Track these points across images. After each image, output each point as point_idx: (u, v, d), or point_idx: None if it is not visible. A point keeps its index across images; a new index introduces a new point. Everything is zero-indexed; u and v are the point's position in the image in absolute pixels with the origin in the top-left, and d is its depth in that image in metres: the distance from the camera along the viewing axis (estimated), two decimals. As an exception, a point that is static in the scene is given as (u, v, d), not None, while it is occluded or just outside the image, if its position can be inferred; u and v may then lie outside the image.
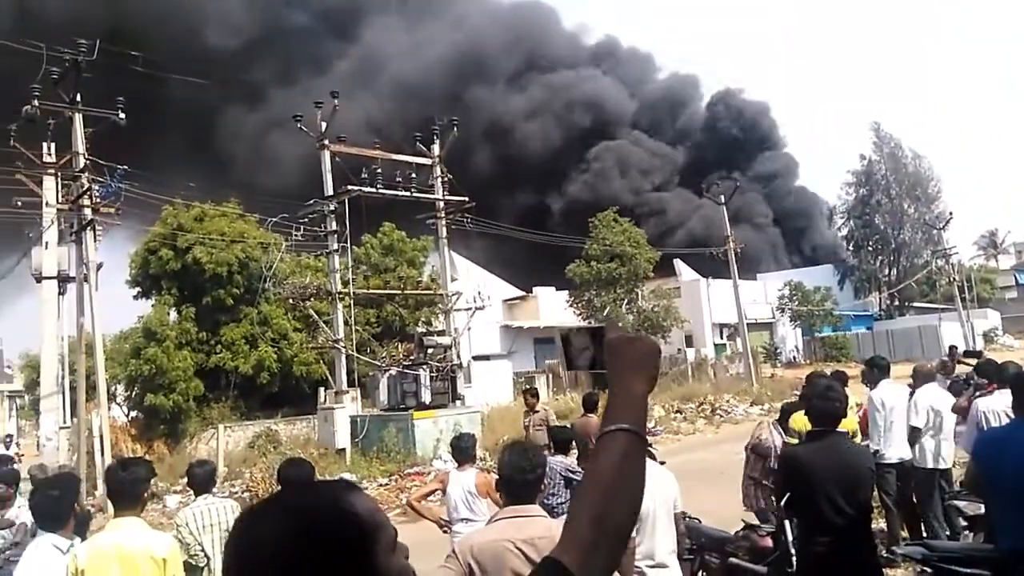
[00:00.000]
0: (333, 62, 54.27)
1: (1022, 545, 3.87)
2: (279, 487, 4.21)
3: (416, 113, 40.96)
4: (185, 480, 8.62)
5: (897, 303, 59.53)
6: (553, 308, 38.09)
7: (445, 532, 6.11)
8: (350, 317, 21.31)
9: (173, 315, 25.05)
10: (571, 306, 34.94)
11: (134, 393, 24.44)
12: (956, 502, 6.66)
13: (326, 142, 20.29)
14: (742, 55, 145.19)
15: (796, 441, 6.47)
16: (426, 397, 18.84)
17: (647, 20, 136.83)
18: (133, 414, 25.06)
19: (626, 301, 34.05)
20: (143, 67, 18.19)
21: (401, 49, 56.14)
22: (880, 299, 59.21)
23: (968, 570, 4.51)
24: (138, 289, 26.04)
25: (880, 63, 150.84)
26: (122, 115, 16.40)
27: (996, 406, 6.05)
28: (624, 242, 33.33)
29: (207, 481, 5.52)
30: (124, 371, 23.85)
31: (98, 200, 16.56)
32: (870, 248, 62.62)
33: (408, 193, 21.78)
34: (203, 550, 5.14)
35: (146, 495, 4.18)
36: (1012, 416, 5.09)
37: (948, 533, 7.03)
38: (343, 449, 18.66)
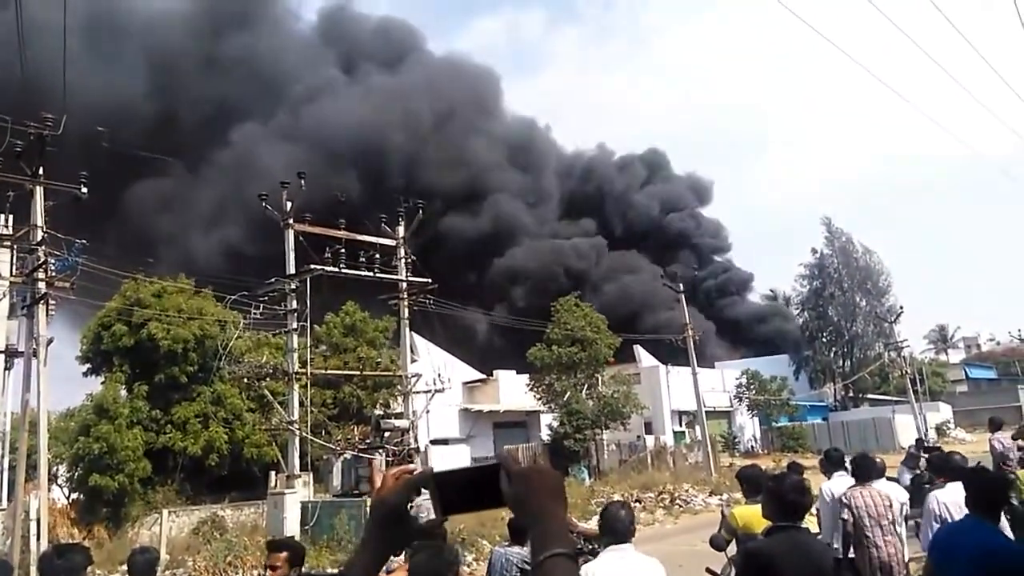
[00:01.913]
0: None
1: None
2: None
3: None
4: (125, 568, 8.23)
5: (851, 394, 60.43)
6: (514, 391, 37.85)
7: None
8: (306, 398, 20.90)
9: (123, 393, 24.36)
10: (532, 390, 34.78)
11: (77, 474, 23.45)
12: (914, 599, 6.62)
13: (290, 221, 20.33)
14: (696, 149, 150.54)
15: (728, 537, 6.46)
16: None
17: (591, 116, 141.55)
18: (74, 496, 23.96)
19: (586, 386, 34.01)
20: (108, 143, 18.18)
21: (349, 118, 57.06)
22: (835, 390, 60.09)
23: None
24: (88, 365, 25.37)
25: (831, 161, 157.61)
26: (84, 190, 16.30)
27: (947, 499, 6.10)
28: (585, 327, 33.55)
29: (148, 570, 5.27)
30: (69, 450, 22.96)
31: (53, 273, 16.25)
32: (824, 339, 63.89)
33: (371, 273, 21.79)
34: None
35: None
36: (964, 509, 5.18)
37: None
38: (292, 537, 17.97)
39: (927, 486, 6.87)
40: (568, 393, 33.29)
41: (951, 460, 6.68)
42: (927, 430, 44.52)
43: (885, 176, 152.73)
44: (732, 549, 6.53)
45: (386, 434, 20.42)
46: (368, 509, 1.36)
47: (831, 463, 7.94)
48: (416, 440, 22.18)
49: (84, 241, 17.04)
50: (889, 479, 8.89)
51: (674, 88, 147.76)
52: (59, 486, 24.00)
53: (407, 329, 23.76)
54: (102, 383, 24.52)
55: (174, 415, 24.18)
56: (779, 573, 4.22)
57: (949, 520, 5.62)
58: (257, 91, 55.57)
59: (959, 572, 4.04)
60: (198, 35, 54.51)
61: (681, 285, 34.87)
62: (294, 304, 20.49)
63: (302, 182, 20.07)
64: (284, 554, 4.08)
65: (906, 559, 7.63)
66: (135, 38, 50.92)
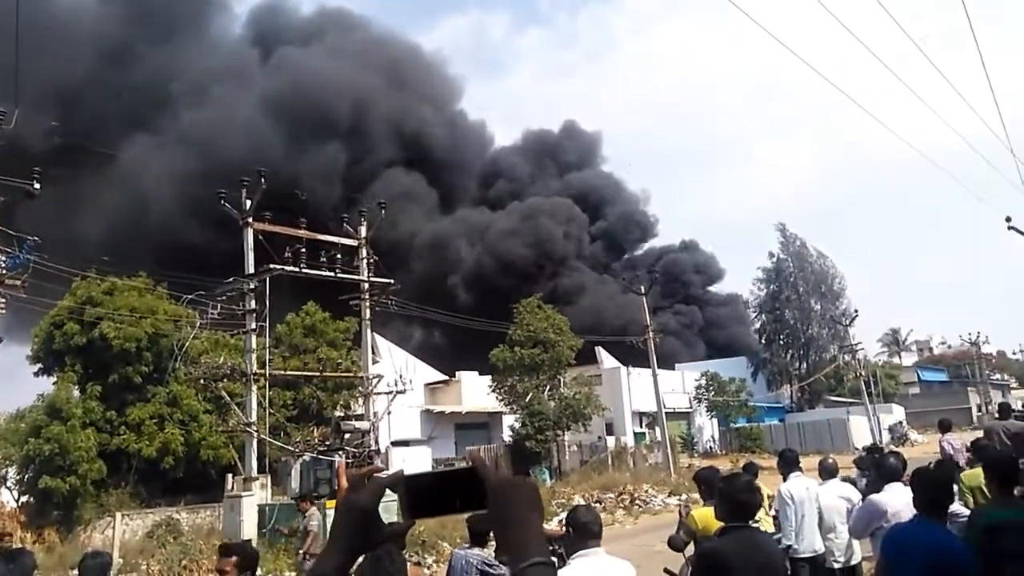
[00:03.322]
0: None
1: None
2: None
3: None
4: (76, 573, 8.05)
5: (807, 396, 61.62)
6: (476, 393, 37.81)
7: None
8: (265, 399, 20.63)
9: (76, 393, 23.79)
10: (494, 391, 34.79)
11: (27, 476, 22.83)
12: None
13: (249, 220, 20.05)
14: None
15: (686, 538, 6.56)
16: (341, 484, 18.16)
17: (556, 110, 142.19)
18: (24, 498, 23.33)
19: (548, 387, 34.13)
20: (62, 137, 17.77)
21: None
22: (792, 392, 61.21)
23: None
24: (39, 365, 24.74)
25: (784, 167, 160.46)
26: (37, 185, 15.89)
27: (881, 499, 6.24)
28: (547, 328, 33.66)
29: (100, 574, 5.17)
30: (19, 452, 22.35)
31: (4, 272, 15.83)
32: (781, 342, 65.01)
33: (332, 274, 21.60)
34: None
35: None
36: (897, 509, 5.33)
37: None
38: (249, 540, 17.71)
39: (867, 488, 7.03)
40: (530, 394, 33.37)
41: (885, 463, 6.84)
42: (881, 432, 45.60)
43: (839, 184, 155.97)
44: (690, 550, 6.61)
45: (346, 436, 20.22)
46: (335, 511, 1.35)
47: (787, 464, 8.08)
48: (377, 442, 22.03)
49: (36, 238, 16.61)
50: (845, 479, 9.07)
51: (627, 92, 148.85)
52: (8, 488, 23.36)
53: (368, 330, 23.60)
54: (54, 383, 23.93)
55: (128, 416, 23.69)
56: (731, 571, 4.29)
57: (882, 520, 5.77)
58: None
59: (911, 570, 4.15)
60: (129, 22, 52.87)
61: (643, 288, 35.20)
62: (253, 304, 20.21)
63: (262, 180, 19.79)
64: (234, 559, 4.02)
65: (860, 559, 7.83)
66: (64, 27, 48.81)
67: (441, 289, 51.34)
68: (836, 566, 7.60)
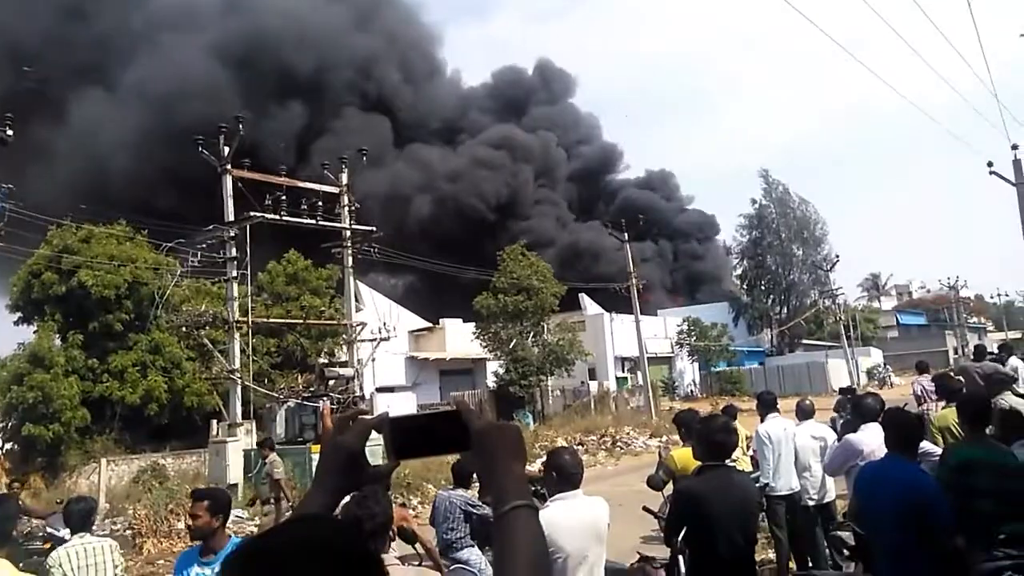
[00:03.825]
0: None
1: (897, 573, 4.10)
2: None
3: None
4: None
5: (787, 340, 62.45)
6: (460, 340, 38.00)
7: None
8: (247, 346, 20.62)
9: (57, 342, 23.69)
10: (478, 338, 34.97)
11: (10, 423, 22.86)
12: (839, 533, 6.96)
13: (228, 166, 19.72)
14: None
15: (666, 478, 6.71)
16: (326, 429, 18.35)
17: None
18: (8, 445, 23.40)
19: (532, 334, 34.33)
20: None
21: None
22: (772, 336, 62.00)
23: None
24: (19, 315, 24.55)
25: (770, 115, 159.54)
26: (9, 132, 15.51)
27: (859, 438, 6.38)
28: (531, 276, 33.71)
29: (84, 519, 5.20)
30: (1, 399, 22.33)
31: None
32: (762, 287, 65.56)
33: (313, 221, 21.40)
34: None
35: (14, 533, 3.93)
36: (873, 447, 5.45)
37: (831, 563, 7.36)
38: (235, 484, 17.89)
39: (843, 427, 7.17)
40: (514, 341, 33.57)
41: (862, 403, 6.96)
42: (858, 375, 46.43)
43: (822, 130, 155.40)
44: (669, 489, 6.76)
45: (331, 382, 20.32)
46: (320, 452, 1.36)
47: (765, 405, 8.22)
48: (361, 388, 22.17)
49: (10, 186, 16.31)
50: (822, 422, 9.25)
51: (613, 42, 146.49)
52: (-9, 436, 23.41)
53: (351, 278, 23.51)
54: (34, 332, 23.80)
55: (111, 364, 23.64)
56: (708, 509, 4.40)
57: (858, 459, 5.90)
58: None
59: (882, 507, 4.26)
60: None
61: (626, 235, 35.18)
62: (233, 252, 20.04)
63: (240, 126, 19.41)
64: (205, 503, 4.05)
65: (833, 497, 8.04)
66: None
67: (411, 237, 50.60)
68: (810, 503, 7.80)
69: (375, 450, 1.39)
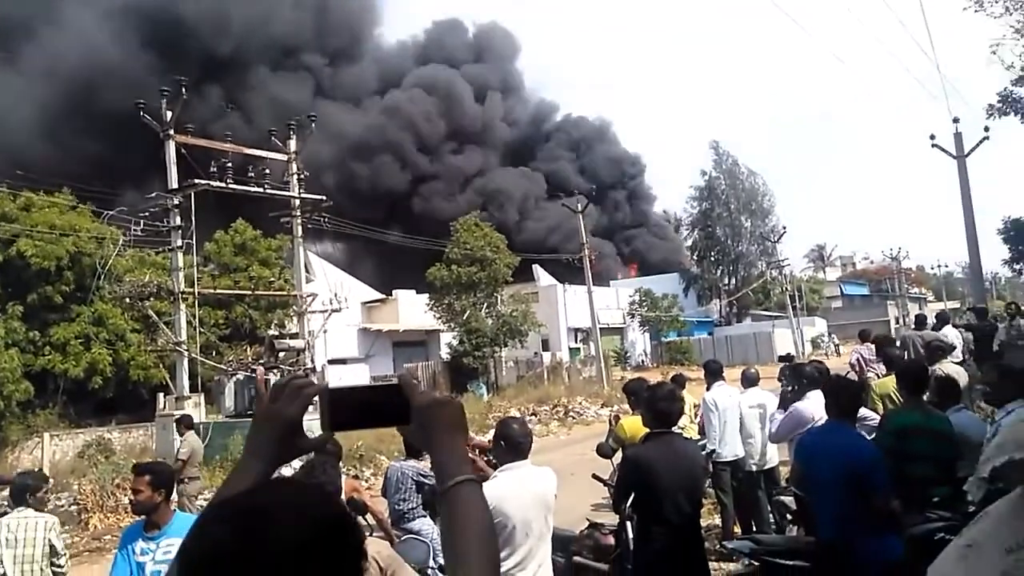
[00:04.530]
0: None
1: (838, 536, 4.22)
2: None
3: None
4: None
5: (735, 310, 63.70)
6: (413, 311, 37.84)
7: None
8: (194, 318, 20.19)
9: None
10: (431, 309, 34.87)
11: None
12: (782, 498, 7.15)
13: (171, 132, 19.11)
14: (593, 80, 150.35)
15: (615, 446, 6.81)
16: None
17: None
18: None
19: (486, 305, 34.36)
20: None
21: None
22: (720, 306, 63.15)
23: (791, 562, 4.85)
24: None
25: (723, 85, 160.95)
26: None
27: (802, 406, 6.54)
28: (484, 247, 33.63)
29: (21, 494, 5.45)
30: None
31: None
32: (712, 258, 66.58)
33: (261, 189, 20.92)
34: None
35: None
36: (815, 414, 5.59)
37: (775, 526, 7.56)
38: (160, 460, 17.60)
39: (790, 395, 7.32)
40: (467, 312, 33.56)
41: (803, 371, 7.13)
42: (803, 344, 47.62)
43: (769, 105, 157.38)
44: (619, 457, 6.85)
45: (281, 354, 20.06)
46: (254, 420, 1.30)
47: (711, 374, 8.37)
48: (312, 360, 21.92)
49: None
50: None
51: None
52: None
53: (301, 248, 23.13)
54: (-30, 304, 22.97)
55: (52, 336, 22.99)
56: (655, 475, 4.47)
57: (807, 427, 6.04)
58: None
59: (823, 472, 4.38)
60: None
61: (580, 204, 35.25)
62: (178, 220, 19.51)
63: (183, 88, 18.79)
64: (147, 477, 3.97)
65: (776, 463, 8.25)
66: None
67: (362, 203, 49.26)
68: (753, 468, 8.00)
69: (312, 425, 1.35)
